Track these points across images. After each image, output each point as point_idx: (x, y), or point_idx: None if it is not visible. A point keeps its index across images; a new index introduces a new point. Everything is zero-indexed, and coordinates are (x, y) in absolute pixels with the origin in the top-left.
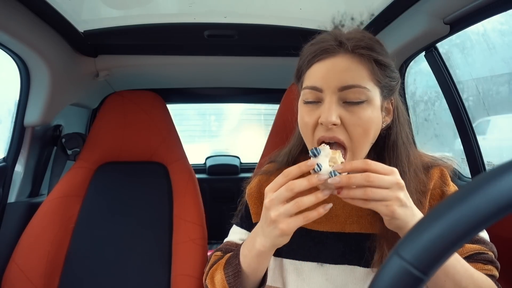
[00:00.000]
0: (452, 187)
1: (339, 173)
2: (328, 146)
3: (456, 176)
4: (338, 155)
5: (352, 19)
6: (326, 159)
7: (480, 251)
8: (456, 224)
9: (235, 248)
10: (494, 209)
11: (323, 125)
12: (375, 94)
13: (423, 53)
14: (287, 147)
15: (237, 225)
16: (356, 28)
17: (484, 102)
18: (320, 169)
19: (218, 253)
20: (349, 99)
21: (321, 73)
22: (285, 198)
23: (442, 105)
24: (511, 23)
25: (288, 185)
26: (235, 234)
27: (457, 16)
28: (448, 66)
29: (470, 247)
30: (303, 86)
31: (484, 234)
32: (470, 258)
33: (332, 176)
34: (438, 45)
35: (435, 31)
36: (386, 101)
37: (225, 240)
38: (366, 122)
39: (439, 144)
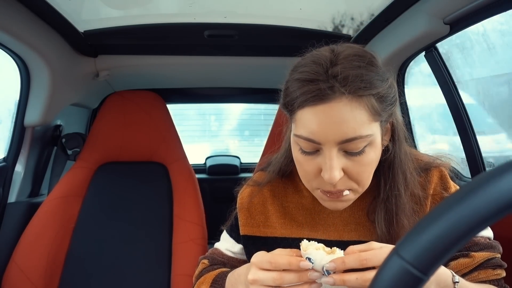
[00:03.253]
0: (453, 188)
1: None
2: (314, 242)
3: (457, 177)
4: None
5: (352, 19)
6: (318, 252)
7: (490, 257)
8: (456, 224)
9: (222, 258)
10: (494, 209)
11: (324, 179)
12: (377, 132)
13: (423, 53)
14: (277, 158)
15: (227, 232)
16: (348, 54)
17: (484, 102)
18: (313, 263)
19: (205, 261)
20: (350, 150)
21: (315, 123)
22: (268, 285)
23: None
24: (511, 23)
25: (276, 278)
26: (224, 242)
27: (457, 16)
28: (448, 66)
29: (481, 256)
30: (297, 133)
31: (489, 233)
32: (480, 266)
33: (325, 275)
34: (438, 45)
35: (435, 31)
36: (385, 125)
37: (215, 245)
38: (369, 165)
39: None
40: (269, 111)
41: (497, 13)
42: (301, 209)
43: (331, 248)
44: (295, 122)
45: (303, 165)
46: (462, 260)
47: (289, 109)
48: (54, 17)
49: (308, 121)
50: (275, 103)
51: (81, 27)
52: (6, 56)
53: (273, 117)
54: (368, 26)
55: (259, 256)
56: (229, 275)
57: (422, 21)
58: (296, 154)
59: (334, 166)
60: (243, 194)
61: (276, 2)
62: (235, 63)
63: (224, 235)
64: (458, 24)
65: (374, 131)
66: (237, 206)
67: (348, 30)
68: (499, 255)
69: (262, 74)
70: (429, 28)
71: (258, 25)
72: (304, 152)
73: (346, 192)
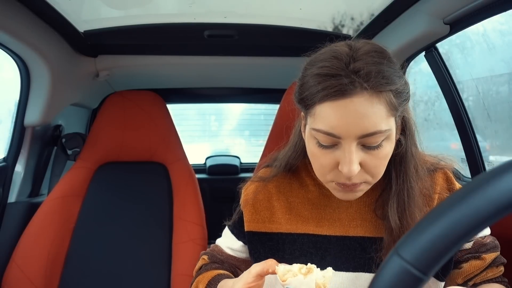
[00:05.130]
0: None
1: None
2: (289, 267)
3: (458, 178)
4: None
5: (352, 19)
6: (296, 278)
7: (496, 257)
8: (456, 224)
9: (221, 256)
10: (494, 209)
11: (343, 173)
12: (393, 127)
13: (423, 53)
14: (284, 152)
15: (229, 228)
16: (368, 50)
17: (484, 102)
18: None
19: (205, 257)
20: (369, 144)
21: (336, 118)
22: None
23: (442, 105)
24: (511, 23)
25: None
26: (225, 238)
27: (457, 16)
28: (448, 66)
29: (490, 257)
30: (316, 127)
31: (488, 231)
32: (488, 266)
33: None
34: (438, 45)
35: (435, 31)
36: (398, 121)
37: (216, 241)
38: (385, 159)
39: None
40: (269, 111)
41: (497, 13)
42: (307, 204)
43: (306, 266)
44: (313, 116)
45: (320, 158)
46: (474, 262)
47: (307, 103)
48: (54, 17)
49: (329, 115)
50: (275, 103)
51: (81, 27)
52: (6, 56)
53: (273, 117)
54: (368, 26)
55: None
56: (220, 284)
57: (422, 21)
58: (312, 148)
59: (354, 160)
60: (248, 190)
61: (276, 2)
62: (235, 63)
63: (226, 231)
64: (458, 24)
65: (391, 126)
66: (241, 202)
67: (348, 30)
68: (499, 252)
69: (262, 74)
70: (429, 28)
71: (258, 25)
72: (321, 146)
73: (361, 186)
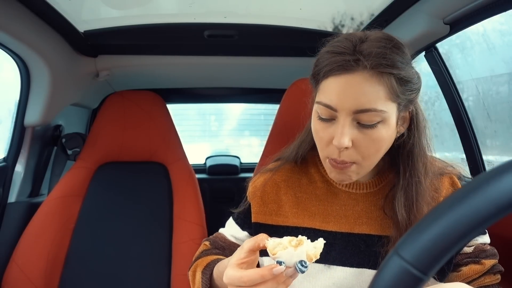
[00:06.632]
0: None
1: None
2: (279, 241)
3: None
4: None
5: (352, 19)
6: (286, 251)
7: (494, 264)
8: (456, 223)
9: (223, 243)
10: (494, 209)
11: (334, 145)
12: (392, 112)
13: (423, 53)
14: (296, 141)
15: (233, 218)
16: (378, 37)
17: (484, 102)
18: (284, 263)
19: (207, 242)
20: (363, 122)
21: (336, 91)
22: None
23: (442, 105)
24: (511, 23)
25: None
26: (229, 227)
27: (457, 16)
28: (448, 66)
29: (489, 263)
30: (318, 100)
31: (488, 239)
32: (487, 272)
33: (298, 272)
34: (438, 45)
35: (435, 31)
36: (403, 112)
37: (219, 230)
38: (379, 143)
39: (439, 144)
40: (269, 111)
41: (497, 13)
42: (315, 200)
43: (297, 238)
44: (318, 91)
45: (319, 132)
46: (473, 267)
47: (316, 78)
48: (54, 17)
49: (330, 89)
50: (275, 103)
51: (81, 27)
52: (6, 56)
53: (273, 117)
54: (368, 26)
55: (230, 276)
56: (218, 264)
57: (422, 21)
58: (315, 123)
59: (345, 133)
60: (256, 182)
61: (276, 2)
62: (235, 63)
63: (230, 221)
64: (458, 24)
65: (389, 110)
66: (248, 194)
67: (348, 30)
68: (497, 261)
69: (262, 74)
70: (429, 28)
71: (258, 25)
72: (321, 119)
73: (351, 167)
